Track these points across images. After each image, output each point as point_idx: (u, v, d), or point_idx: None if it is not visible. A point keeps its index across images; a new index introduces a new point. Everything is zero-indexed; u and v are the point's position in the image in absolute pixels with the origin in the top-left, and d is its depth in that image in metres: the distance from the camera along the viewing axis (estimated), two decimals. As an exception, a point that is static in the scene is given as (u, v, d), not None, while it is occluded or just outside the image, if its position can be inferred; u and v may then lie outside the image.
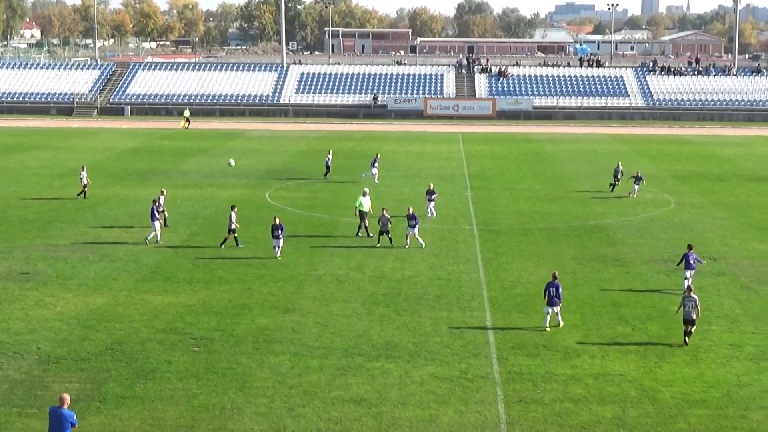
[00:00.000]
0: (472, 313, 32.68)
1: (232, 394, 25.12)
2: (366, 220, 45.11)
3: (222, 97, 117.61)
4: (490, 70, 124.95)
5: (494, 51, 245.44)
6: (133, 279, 36.96)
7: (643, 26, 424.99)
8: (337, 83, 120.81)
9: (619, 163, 60.92)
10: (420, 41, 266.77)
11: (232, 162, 67.31)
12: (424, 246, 42.40)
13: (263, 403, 24.53)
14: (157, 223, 43.37)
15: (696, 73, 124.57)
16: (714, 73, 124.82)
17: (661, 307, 33.57)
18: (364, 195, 46.00)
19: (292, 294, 34.97)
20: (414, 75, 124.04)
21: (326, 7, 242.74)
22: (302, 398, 24.88)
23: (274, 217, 41.18)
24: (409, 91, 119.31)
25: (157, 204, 44.50)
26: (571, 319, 31.97)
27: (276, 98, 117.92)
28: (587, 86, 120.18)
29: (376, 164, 63.27)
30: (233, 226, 42.23)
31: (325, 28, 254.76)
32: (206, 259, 40.30)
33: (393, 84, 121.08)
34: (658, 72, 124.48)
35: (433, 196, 50.27)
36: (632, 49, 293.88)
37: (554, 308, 30.98)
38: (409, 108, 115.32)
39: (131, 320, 31.57)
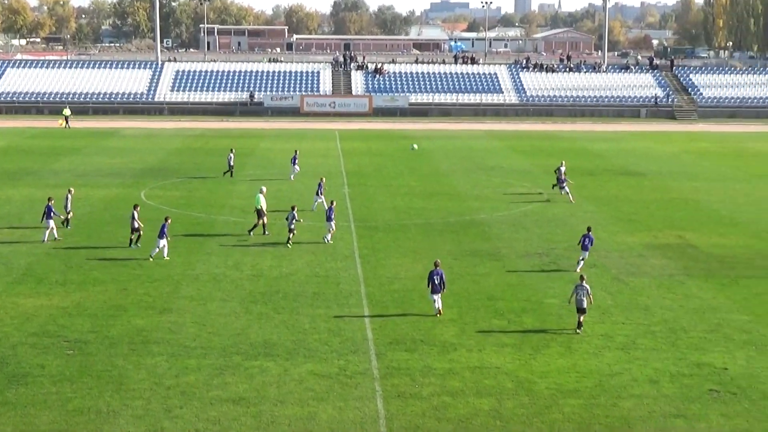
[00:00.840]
0: (351, 310, 32.79)
1: (107, 397, 24.73)
2: (264, 218, 44.84)
3: (95, 95, 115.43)
4: (367, 67, 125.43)
5: (370, 48, 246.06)
6: (4, 282, 36.07)
7: (517, 24, 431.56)
8: (213, 81, 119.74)
9: (563, 162, 58.85)
10: (296, 38, 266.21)
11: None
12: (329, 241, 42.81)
13: (140, 405, 24.22)
14: (51, 221, 42.71)
15: (567, 70, 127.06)
16: (585, 70, 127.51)
17: (535, 300, 34.19)
18: (261, 193, 45.89)
19: (169, 294, 34.59)
20: (290, 72, 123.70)
21: (201, 3, 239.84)
22: (180, 399, 24.64)
23: (167, 218, 40.78)
24: (286, 89, 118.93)
25: (64, 203, 44.77)
26: (448, 313, 32.33)
27: (151, 96, 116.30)
28: (462, 83, 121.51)
29: (296, 162, 63.12)
30: (136, 225, 41.35)
31: (201, 25, 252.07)
32: (80, 260, 39.54)
33: (269, 81, 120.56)
34: (531, 69, 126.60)
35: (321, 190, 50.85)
36: (506, 46, 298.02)
37: (438, 295, 31.84)
38: (286, 105, 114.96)
39: (1, 324, 30.80)
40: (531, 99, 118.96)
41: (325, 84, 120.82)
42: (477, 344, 29.28)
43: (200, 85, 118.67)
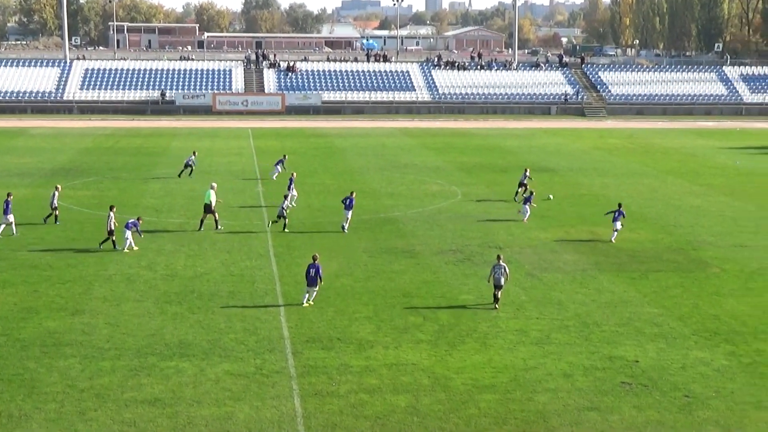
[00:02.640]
0: (266, 309, 32.67)
1: (19, 401, 24.30)
2: (215, 214, 45.47)
3: (1, 94, 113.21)
4: (279, 65, 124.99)
5: (282, 46, 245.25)
6: None
7: (428, 22, 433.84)
8: (123, 79, 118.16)
9: (527, 169, 57.85)
10: (207, 36, 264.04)
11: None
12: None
13: (53, 409, 23.84)
14: (11, 216, 42.86)
15: (479, 67, 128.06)
16: (496, 68, 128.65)
17: (450, 297, 34.42)
18: (212, 188, 46.53)
19: (81, 295, 34.09)
20: (202, 70, 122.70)
21: (110, 1, 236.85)
22: (94, 402, 24.32)
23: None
24: (198, 87, 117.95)
25: (51, 200, 46.35)
26: (364, 311, 32.41)
27: (59, 95, 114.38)
28: (375, 81, 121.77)
29: (282, 163, 63.07)
30: (112, 227, 41.03)
31: (110, 23, 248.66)
32: (-12, 262, 38.79)
33: (181, 80, 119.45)
34: (443, 67, 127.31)
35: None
36: (417, 44, 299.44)
37: (314, 288, 32.98)
38: (198, 104, 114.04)
39: None
40: (443, 96, 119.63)
41: (238, 82, 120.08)
42: (393, 341, 29.39)
43: (110, 83, 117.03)
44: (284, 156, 65.19)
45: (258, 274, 37.30)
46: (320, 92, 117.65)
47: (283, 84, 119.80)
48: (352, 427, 23.19)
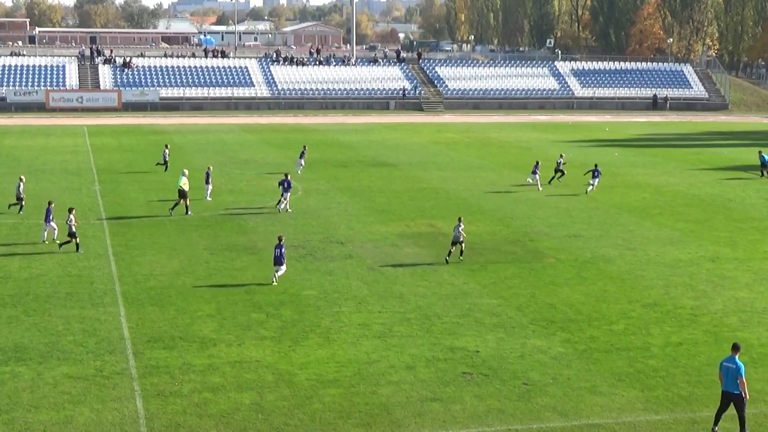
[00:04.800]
0: (106, 309, 32.05)
1: None
2: (187, 200, 48.29)
3: None
4: (114, 61, 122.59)
5: (118, 42, 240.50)
6: None
7: (266, 17, 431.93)
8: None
9: (562, 155, 62.50)
10: (39, 31, 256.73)
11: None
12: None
13: None
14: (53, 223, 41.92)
15: (317, 63, 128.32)
16: (334, 64, 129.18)
17: (293, 292, 34.42)
18: (184, 174, 49.48)
19: None
20: (34, 66, 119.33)
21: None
22: (-75, 410, 23.44)
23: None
24: (30, 83, 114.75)
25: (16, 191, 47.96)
26: (206, 309, 32.14)
27: None
28: (213, 77, 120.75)
29: (304, 155, 64.19)
30: (73, 229, 40.09)
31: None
32: None
33: (11, 76, 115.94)
34: (281, 63, 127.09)
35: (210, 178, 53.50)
36: (256, 39, 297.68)
37: (280, 267, 35.56)
38: (30, 100, 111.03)
39: None
40: (282, 92, 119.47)
41: (72, 78, 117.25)
42: (236, 339, 29.23)
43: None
44: (304, 147, 66.28)
45: (96, 274, 36.54)
46: (158, 88, 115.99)
47: (119, 80, 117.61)
48: (195, 426, 22.98)
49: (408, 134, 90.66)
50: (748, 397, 23.05)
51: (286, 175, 50.36)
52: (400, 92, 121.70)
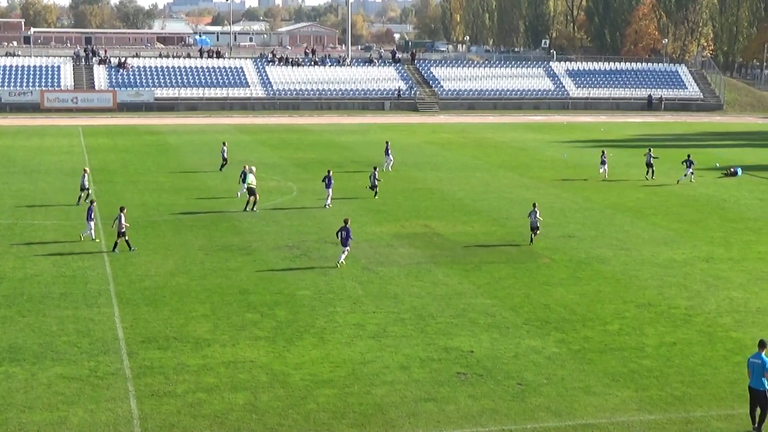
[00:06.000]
0: (100, 310, 32.03)
1: None
2: (256, 196, 50.14)
3: None
4: (110, 61, 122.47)
5: (113, 42, 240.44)
6: None
7: (261, 18, 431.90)
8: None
9: (650, 149, 65.51)
10: (34, 32, 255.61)
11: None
12: None
13: None
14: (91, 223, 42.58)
15: (313, 63, 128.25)
16: (330, 64, 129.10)
17: (288, 293, 34.42)
18: (251, 172, 51.17)
19: None
20: (29, 67, 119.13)
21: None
22: None
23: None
24: (25, 84, 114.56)
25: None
26: (201, 309, 32.14)
27: None
28: (208, 77, 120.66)
29: (389, 152, 66.53)
30: (123, 229, 40.43)
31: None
32: None
33: (7, 76, 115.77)
34: (276, 63, 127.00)
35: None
36: (251, 40, 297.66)
37: (346, 248, 37.99)
38: (25, 101, 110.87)
39: None
40: (277, 93, 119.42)
41: (67, 79, 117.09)
42: (231, 339, 29.23)
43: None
44: (387, 143, 68.13)
45: (91, 275, 36.52)
46: (153, 89, 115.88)
47: (114, 80, 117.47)
48: (190, 426, 22.98)
49: (403, 134, 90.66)
50: None
51: (328, 172, 52.45)
52: (396, 93, 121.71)
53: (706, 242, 44.36)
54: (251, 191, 50.12)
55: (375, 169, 55.32)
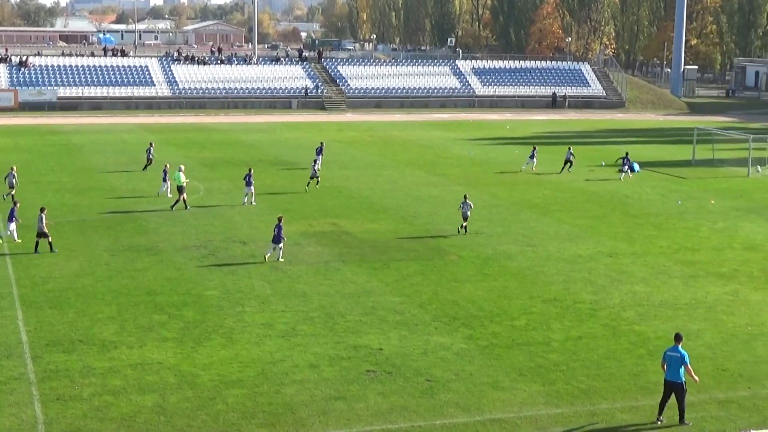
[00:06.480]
0: (2, 313, 31.41)
1: None
2: (184, 195, 50.18)
3: None
4: (10, 60, 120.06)
5: (14, 40, 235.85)
6: None
7: (166, 16, 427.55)
8: None
9: (570, 147, 68.33)
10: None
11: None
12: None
13: None
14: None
15: (219, 62, 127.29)
16: (236, 63, 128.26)
17: (195, 293, 34.16)
18: (180, 170, 50.91)
19: None
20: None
21: None
22: None
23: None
24: None
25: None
26: (107, 311, 31.73)
27: None
28: (113, 76, 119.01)
29: (320, 153, 65.83)
30: (44, 229, 39.83)
31: None
32: None
33: None
34: (182, 62, 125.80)
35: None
36: (156, 38, 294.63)
37: (278, 245, 38.87)
38: None
39: None
40: (183, 91, 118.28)
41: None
42: (138, 341, 28.91)
43: None
44: (322, 143, 68.09)
45: (-8, 278, 35.81)
46: (56, 88, 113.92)
47: (15, 79, 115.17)
48: (96, 430, 22.67)
49: (310, 133, 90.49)
50: (697, 380, 24.11)
51: (249, 170, 52.91)
52: (303, 91, 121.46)
53: (609, 238, 45.13)
54: (180, 189, 50.10)
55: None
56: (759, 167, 67.79)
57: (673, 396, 23.35)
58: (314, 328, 30.53)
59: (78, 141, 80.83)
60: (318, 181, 57.41)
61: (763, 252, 42.69)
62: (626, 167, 63.71)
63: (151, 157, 64.54)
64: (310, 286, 35.41)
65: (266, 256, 38.95)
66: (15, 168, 54.03)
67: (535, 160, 66.88)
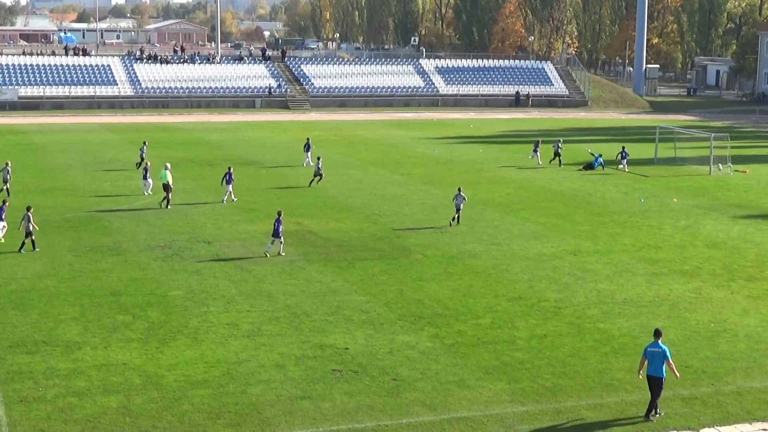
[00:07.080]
0: (-35, 315, 31.16)
1: None
2: (170, 193, 50.36)
3: None
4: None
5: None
6: None
7: (128, 15, 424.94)
8: None
9: (560, 140, 71.43)
10: None
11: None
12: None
13: None
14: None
15: (182, 61, 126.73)
16: (199, 62, 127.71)
17: (160, 293, 34.01)
18: (167, 168, 51.22)
19: None
20: None
21: None
22: None
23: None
24: None
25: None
26: (70, 312, 31.52)
27: None
28: (74, 75, 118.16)
29: (309, 150, 67.11)
30: (30, 229, 39.49)
31: None
32: None
33: None
34: (145, 61, 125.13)
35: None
36: (118, 37, 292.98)
37: (277, 239, 39.43)
38: None
39: None
40: (146, 91, 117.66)
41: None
42: (102, 341, 28.74)
43: None
44: (308, 139, 69.18)
45: (-46, 279, 35.47)
46: (16, 87, 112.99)
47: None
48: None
49: (274, 132, 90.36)
50: (678, 376, 24.49)
51: (229, 168, 53.63)
52: (266, 90, 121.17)
53: (573, 236, 45.37)
54: (166, 187, 50.25)
55: (319, 158, 60.24)
56: (720, 165, 68.41)
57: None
58: (280, 327, 30.49)
59: (40, 141, 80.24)
60: (321, 178, 58.73)
61: (725, 249, 43.09)
62: (624, 160, 67.33)
63: (143, 155, 63.83)
64: (275, 286, 35.35)
65: (266, 251, 39.69)
66: (10, 163, 54.39)
67: (539, 153, 69.39)
